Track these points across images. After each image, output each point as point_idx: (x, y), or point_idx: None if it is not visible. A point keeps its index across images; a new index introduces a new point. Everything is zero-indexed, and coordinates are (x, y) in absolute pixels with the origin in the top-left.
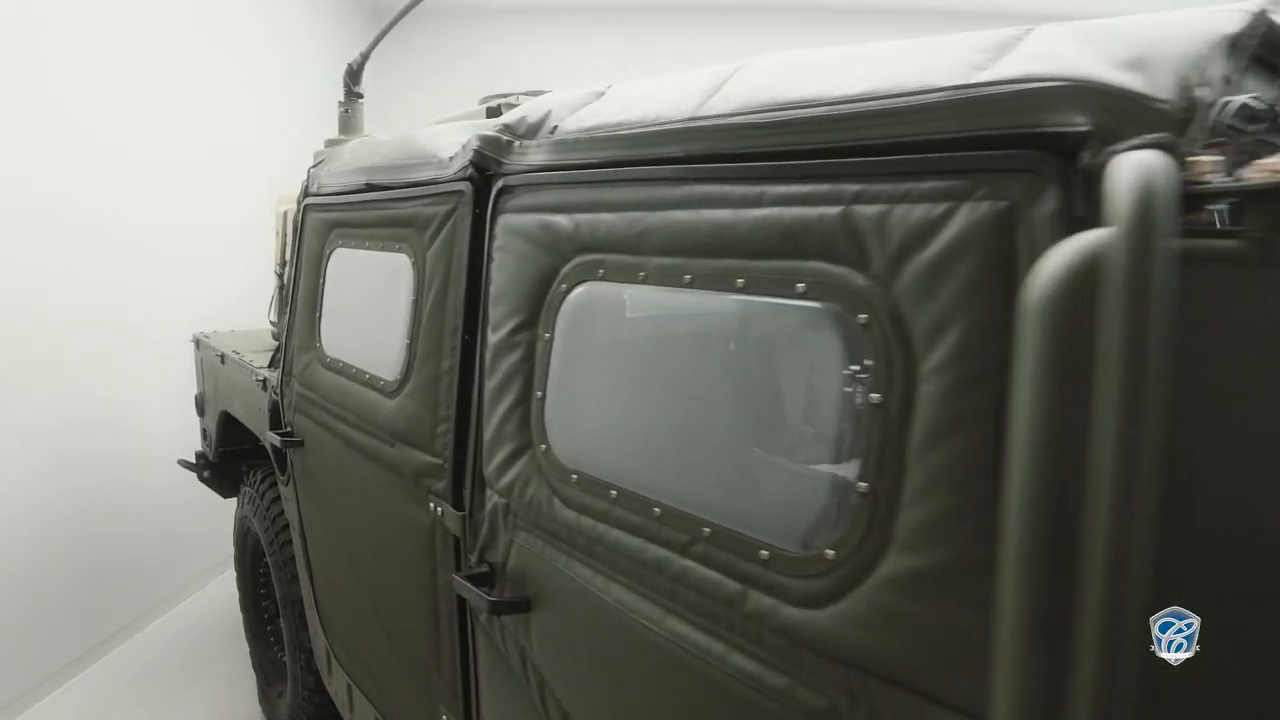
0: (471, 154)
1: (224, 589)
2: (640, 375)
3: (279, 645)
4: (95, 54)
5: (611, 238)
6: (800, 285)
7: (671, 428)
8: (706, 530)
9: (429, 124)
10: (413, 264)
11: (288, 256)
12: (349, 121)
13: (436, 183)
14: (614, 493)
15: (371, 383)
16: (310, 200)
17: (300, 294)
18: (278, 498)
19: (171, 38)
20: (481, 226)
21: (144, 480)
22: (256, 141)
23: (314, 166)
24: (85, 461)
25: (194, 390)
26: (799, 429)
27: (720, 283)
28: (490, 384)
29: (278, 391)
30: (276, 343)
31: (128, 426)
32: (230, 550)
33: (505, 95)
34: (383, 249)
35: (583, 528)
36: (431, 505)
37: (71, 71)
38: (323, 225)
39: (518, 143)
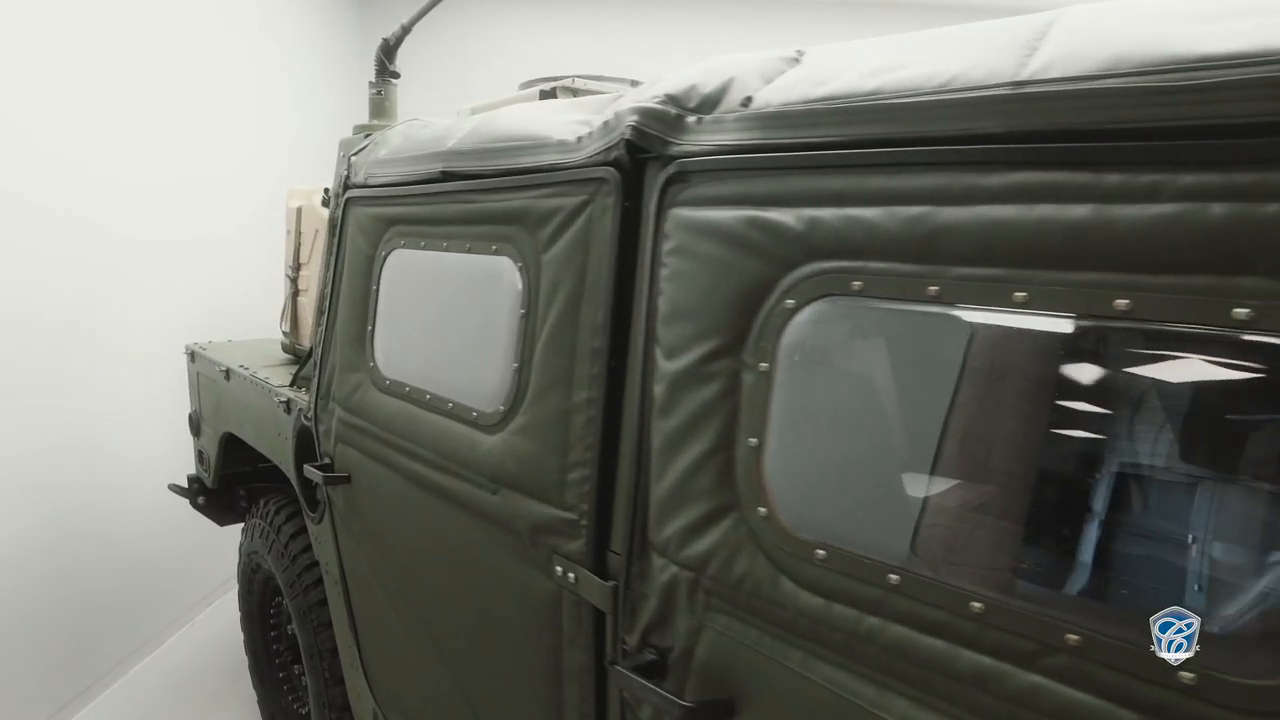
0: (627, 131)
1: (215, 622)
2: (935, 422)
3: (295, 695)
4: (74, 43)
5: (874, 240)
6: (1242, 311)
7: (990, 496)
8: (1073, 638)
9: (464, 110)
10: (520, 269)
11: (303, 258)
12: (381, 105)
13: (559, 169)
14: (895, 578)
15: (458, 414)
16: (355, 193)
17: (342, 303)
18: (298, 532)
19: (157, 29)
20: (636, 223)
21: (127, 508)
22: (249, 137)
23: (355, 154)
24: (59, 490)
25: (184, 408)
26: (1242, 498)
27: (1082, 303)
28: (665, 425)
29: (309, 416)
30: (288, 356)
31: (108, 449)
32: (219, 580)
33: (556, 78)
34: (470, 250)
35: (836, 620)
36: (558, 570)
37: (43, 60)
38: (374, 222)
39: (692, 118)
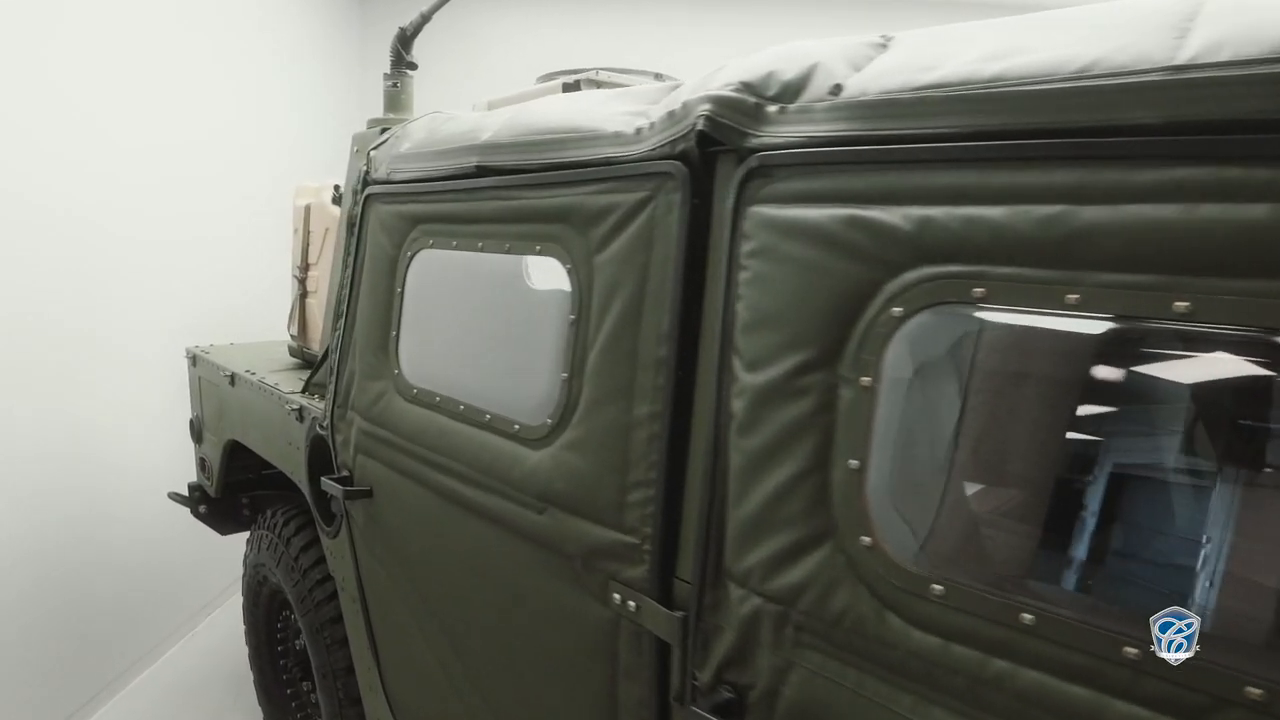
0: (699, 122)
1: (216, 631)
2: (1076, 445)
3: (304, 713)
4: (72, 42)
5: (999, 242)
6: None
7: (1148, 530)
8: (1255, 692)
9: (480, 104)
10: (569, 271)
11: (312, 258)
12: (397, 98)
13: (615, 163)
14: (1029, 617)
15: (497, 427)
16: (375, 190)
17: (361, 306)
18: (309, 545)
19: (156, 27)
20: (706, 221)
21: (125, 516)
22: (249, 135)
23: (374, 149)
24: (56, 497)
25: (185, 412)
26: None
27: (1258, 314)
28: (747, 443)
29: (325, 425)
30: (296, 360)
31: (106, 455)
32: (220, 588)
33: (578, 71)
34: (509, 250)
35: (956, 662)
36: (615, 597)
37: (43, 59)
38: (398, 220)
39: (773, 107)
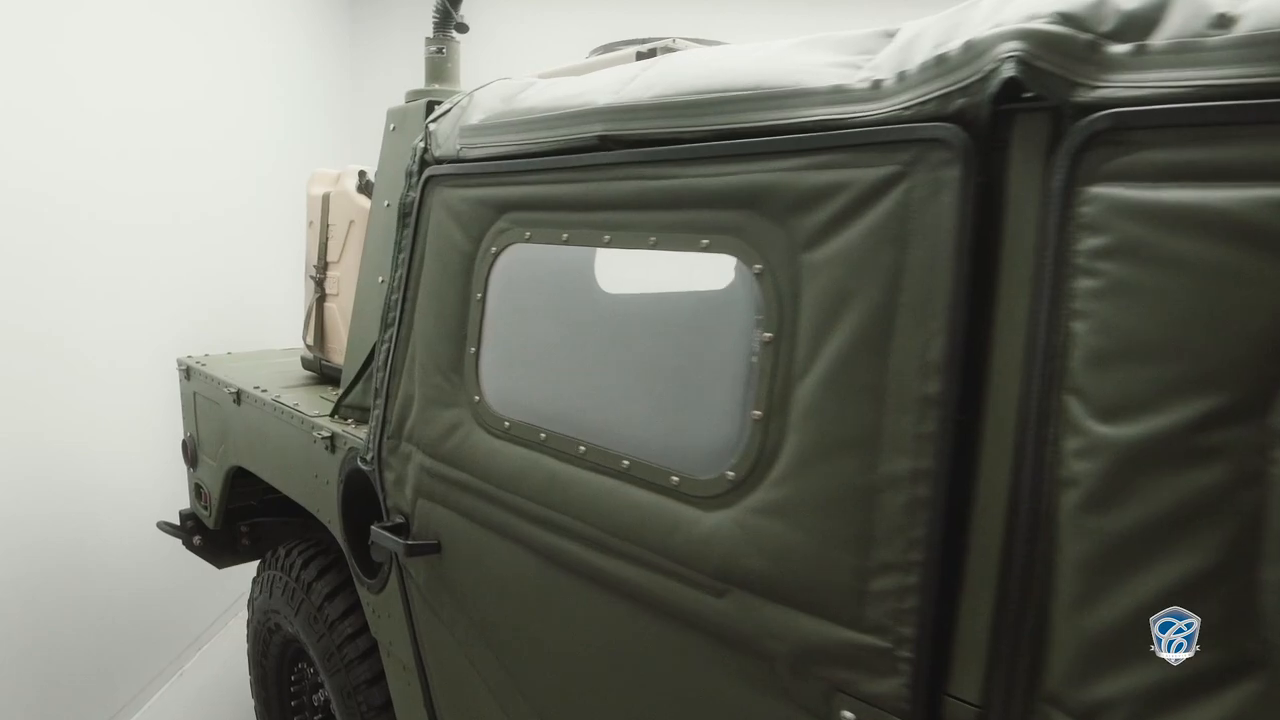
0: (1006, 67)
1: (207, 671)
2: None
3: None
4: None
5: None
6: None
7: None
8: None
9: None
10: (760, 275)
11: (332, 256)
12: (442, 66)
13: (841, 128)
14: None
15: (643, 477)
16: (440, 171)
17: (421, 315)
18: (336, 592)
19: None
20: (998, 206)
21: (103, 549)
22: (238, 132)
23: (433, 121)
24: (20, 529)
25: (172, 431)
26: None
27: None
28: (1103, 524)
29: (368, 459)
30: (311, 373)
31: (88, 477)
32: (209, 620)
33: (651, 40)
34: (657, 245)
35: None
36: (847, 716)
37: (19, 56)
38: (477, 207)
39: (1122, 47)
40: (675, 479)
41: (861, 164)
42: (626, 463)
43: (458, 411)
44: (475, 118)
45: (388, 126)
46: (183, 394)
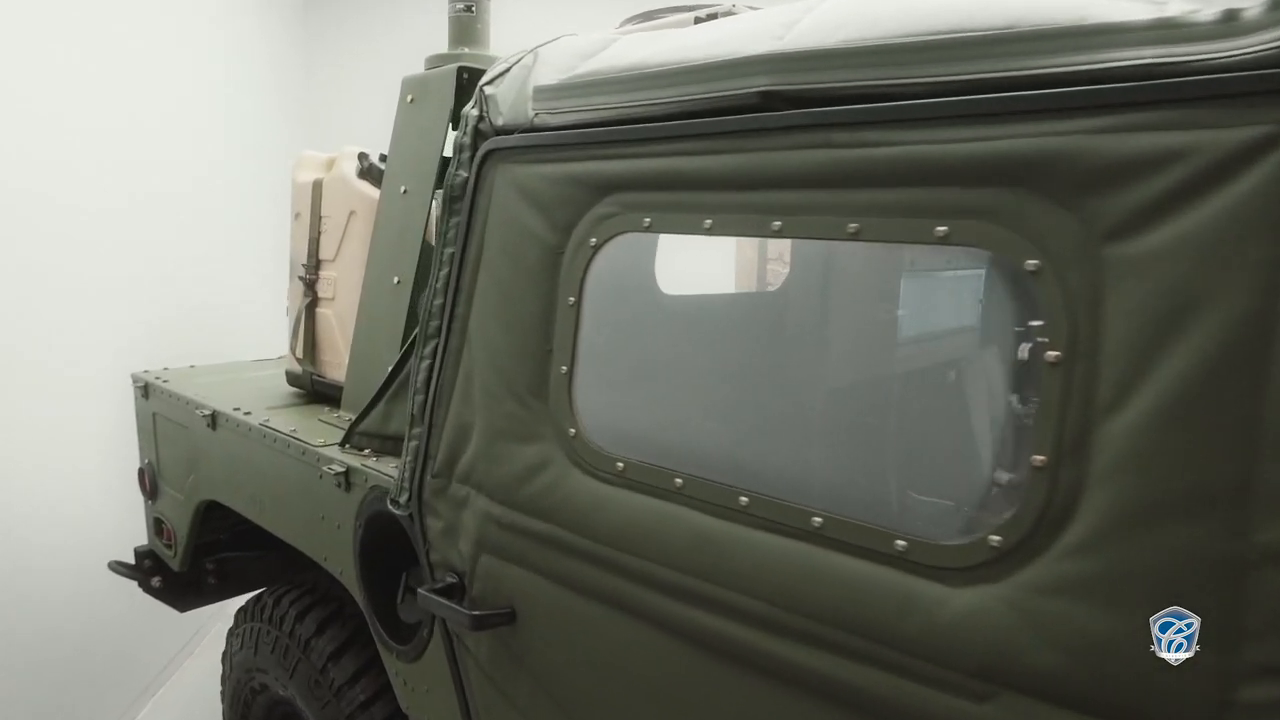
0: None
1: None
2: None
3: None
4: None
5: None
6: None
7: None
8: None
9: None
10: (1035, 273)
11: (325, 253)
12: (470, 27)
13: (1174, 74)
14: None
15: (848, 540)
16: (507, 143)
17: (482, 323)
18: (341, 651)
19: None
20: None
21: (40, 590)
22: (186, 115)
23: (489, 84)
24: None
25: (125, 455)
26: None
27: None
28: None
29: (401, 500)
30: (298, 390)
31: (10, 511)
32: (163, 664)
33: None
34: (860, 235)
35: None
36: None
37: None
38: (566, 187)
39: None
40: (902, 544)
41: (1209, 123)
42: (818, 520)
43: (542, 448)
44: (550, 77)
45: (403, 98)
46: (139, 414)
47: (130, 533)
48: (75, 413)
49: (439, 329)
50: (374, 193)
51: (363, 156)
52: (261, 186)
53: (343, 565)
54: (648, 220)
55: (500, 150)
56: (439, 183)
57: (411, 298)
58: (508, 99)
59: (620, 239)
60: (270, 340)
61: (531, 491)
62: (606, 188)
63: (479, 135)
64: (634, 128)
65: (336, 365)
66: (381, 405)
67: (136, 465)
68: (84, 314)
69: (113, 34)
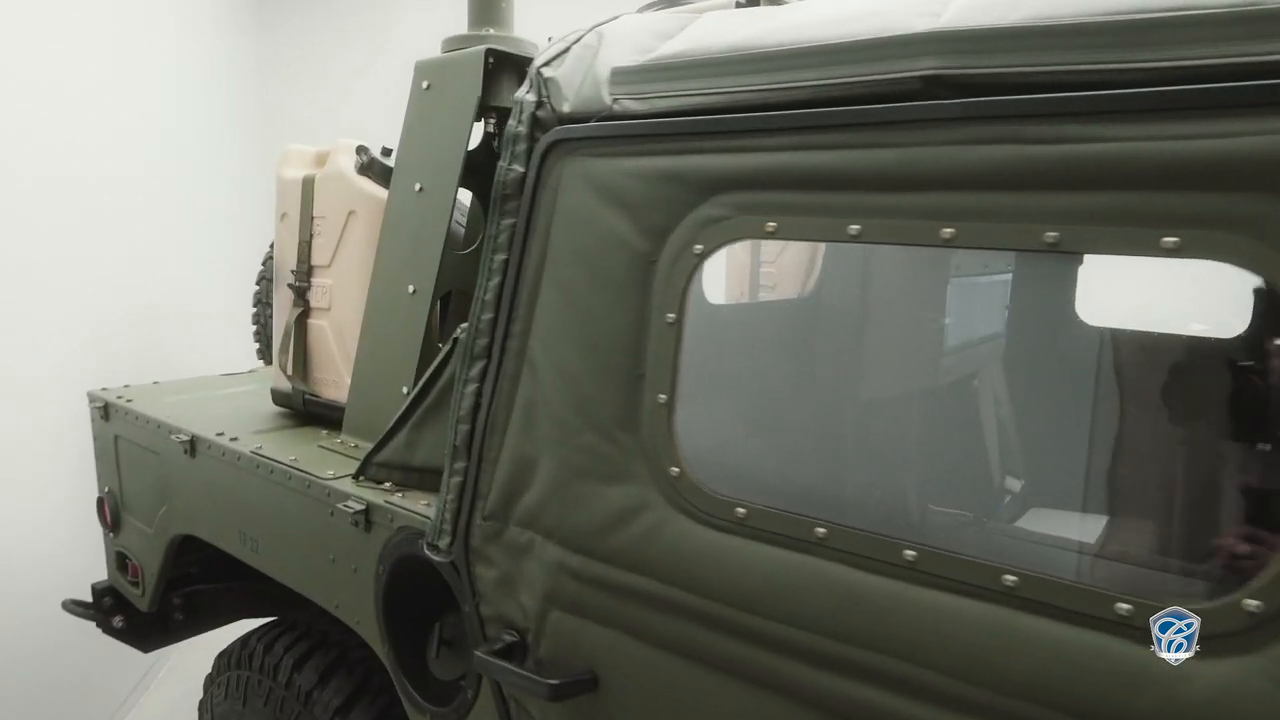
0: None
1: None
2: None
3: None
4: None
5: None
6: None
7: None
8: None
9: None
10: None
11: (319, 259)
12: (493, 6)
13: None
14: None
15: (1061, 604)
16: (578, 132)
17: (552, 343)
18: (349, 705)
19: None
20: None
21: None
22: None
23: (545, 65)
24: None
25: (80, 480)
26: None
27: None
28: None
29: (442, 546)
30: (284, 410)
31: None
32: (120, 701)
33: None
34: (1061, 245)
35: None
36: None
37: None
38: (659, 185)
39: None
40: (1126, 608)
41: None
42: (1012, 579)
43: (633, 489)
44: (627, 58)
45: (416, 85)
46: (98, 438)
47: (86, 568)
48: (13, 432)
49: (487, 348)
50: (377, 191)
51: (362, 150)
52: (215, 184)
53: (359, 614)
54: (772, 225)
55: (570, 141)
56: (463, 179)
57: (430, 309)
58: (572, 83)
59: (728, 246)
60: (226, 348)
61: (621, 540)
62: (714, 186)
63: (537, 124)
64: (753, 116)
65: (333, 383)
66: (405, 432)
67: (94, 493)
68: (21, 322)
69: (49, 31)
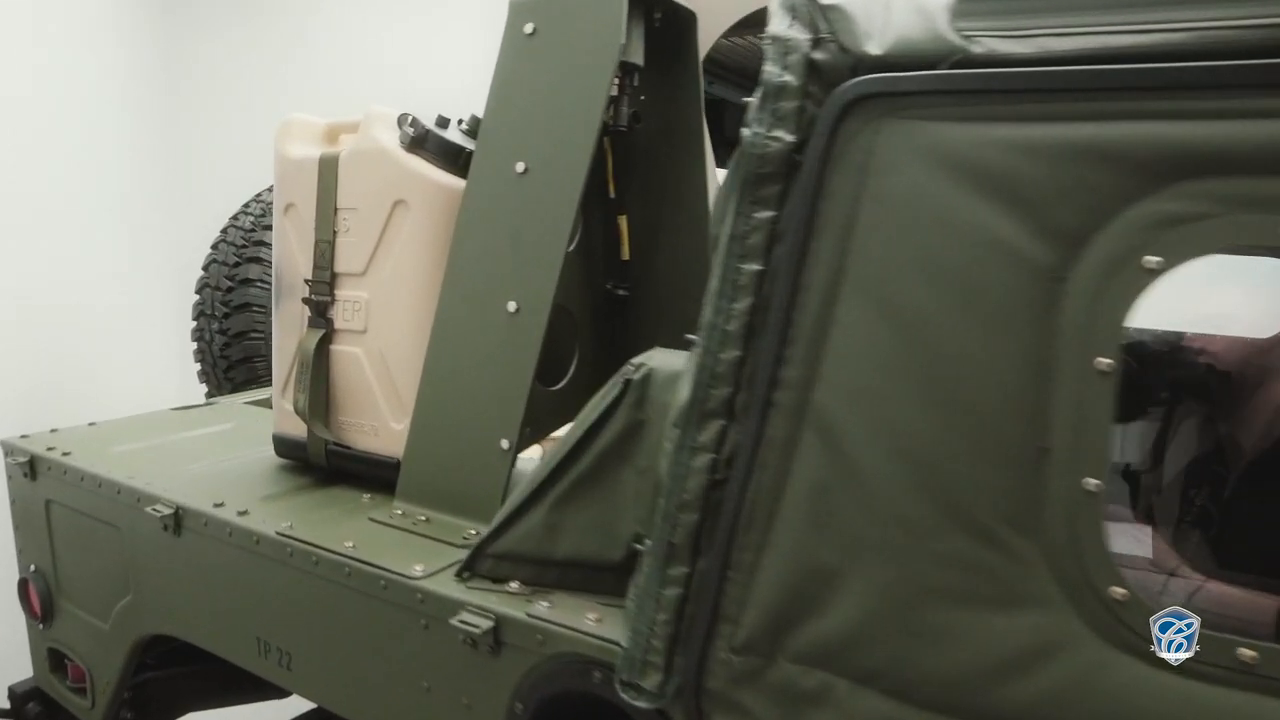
0: None
1: None
2: None
3: None
4: None
5: None
6: None
7: None
8: None
9: None
10: None
11: (345, 265)
12: None
13: None
14: None
15: None
16: (915, 84)
17: (876, 400)
18: None
19: None
20: None
21: None
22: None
23: None
24: None
25: None
26: None
27: None
28: None
29: (649, 685)
30: (289, 463)
31: None
32: None
33: None
34: None
35: None
36: None
37: None
38: (1075, 165)
39: None
40: None
41: None
42: None
43: (1039, 619)
44: None
45: (517, 29)
46: (19, 501)
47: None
48: None
49: (728, 401)
50: (439, 175)
51: (410, 121)
52: (120, 185)
53: None
54: None
55: (890, 97)
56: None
57: (544, 333)
58: (878, 14)
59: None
60: (148, 369)
61: (1026, 692)
62: (1177, 168)
63: (814, 73)
64: (1248, 65)
65: (370, 430)
66: (541, 511)
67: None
68: None
69: None
